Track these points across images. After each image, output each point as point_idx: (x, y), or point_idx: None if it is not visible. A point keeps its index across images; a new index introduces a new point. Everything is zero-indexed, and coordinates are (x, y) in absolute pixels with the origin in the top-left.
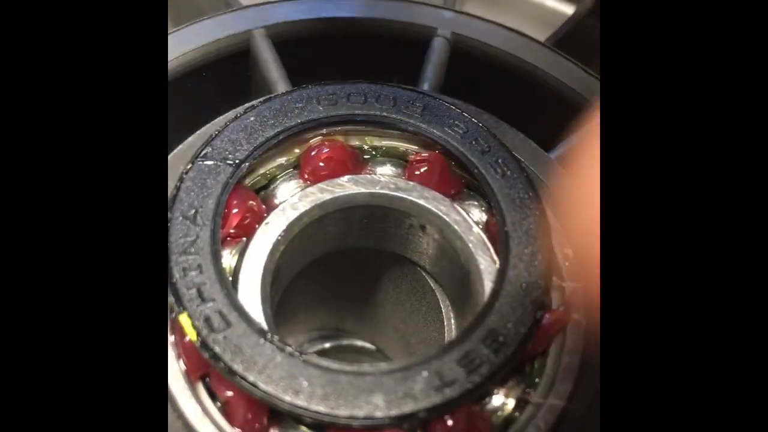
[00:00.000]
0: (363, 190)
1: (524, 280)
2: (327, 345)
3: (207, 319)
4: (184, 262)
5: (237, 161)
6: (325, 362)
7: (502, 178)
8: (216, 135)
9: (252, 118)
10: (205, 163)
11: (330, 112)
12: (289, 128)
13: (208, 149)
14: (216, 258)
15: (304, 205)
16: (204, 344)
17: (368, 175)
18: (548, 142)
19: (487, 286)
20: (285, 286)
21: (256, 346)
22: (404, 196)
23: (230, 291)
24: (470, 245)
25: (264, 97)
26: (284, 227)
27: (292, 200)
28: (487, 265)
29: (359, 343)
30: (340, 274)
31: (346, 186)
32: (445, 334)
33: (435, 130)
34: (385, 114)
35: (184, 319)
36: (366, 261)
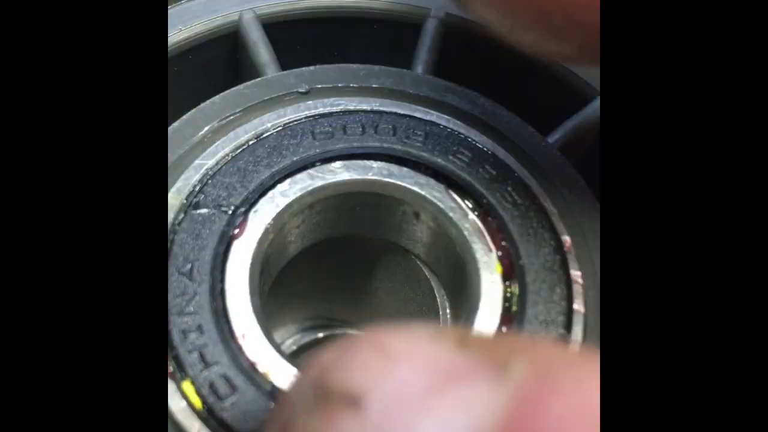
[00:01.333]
0: (355, 176)
1: (544, 317)
2: (320, 335)
3: (212, 386)
4: (182, 323)
5: (233, 207)
6: None
7: (513, 207)
8: (208, 180)
9: (245, 159)
10: (199, 212)
11: (327, 146)
12: (284, 168)
13: (201, 196)
14: (217, 316)
15: (294, 192)
16: (211, 413)
17: (360, 161)
18: (546, 126)
19: (483, 275)
20: (275, 275)
21: (266, 410)
22: (397, 182)
23: (235, 351)
24: (465, 233)
25: (254, 140)
26: (273, 215)
27: (282, 187)
28: (482, 253)
29: (353, 332)
30: (333, 263)
31: (337, 172)
32: (441, 324)
33: (439, 160)
34: (385, 145)
35: (187, 387)
36: (359, 249)
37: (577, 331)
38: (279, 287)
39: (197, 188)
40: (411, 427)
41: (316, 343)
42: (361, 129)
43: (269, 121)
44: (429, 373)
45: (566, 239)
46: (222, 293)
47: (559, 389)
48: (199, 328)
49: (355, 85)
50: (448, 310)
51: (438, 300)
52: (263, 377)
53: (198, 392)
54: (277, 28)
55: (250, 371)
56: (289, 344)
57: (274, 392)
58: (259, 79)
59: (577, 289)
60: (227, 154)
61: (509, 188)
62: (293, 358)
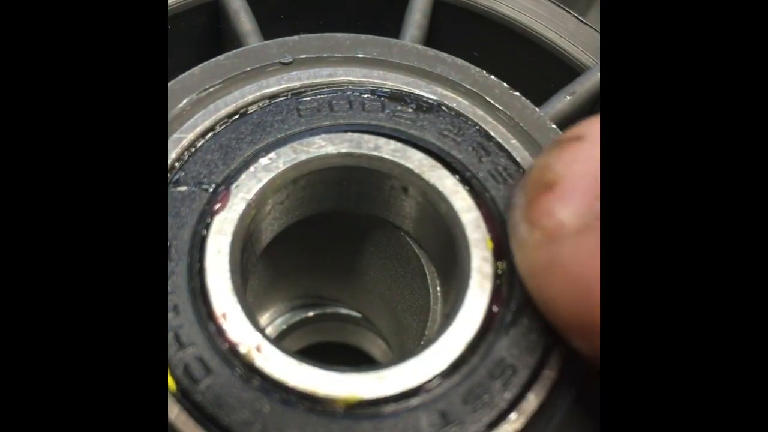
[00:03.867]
0: (341, 150)
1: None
2: (311, 313)
3: (186, 368)
4: None
5: (213, 186)
6: (318, 407)
7: (504, 182)
8: (189, 157)
9: (227, 135)
10: (178, 189)
11: (312, 124)
12: (268, 145)
13: (181, 173)
14: (194, 296)
15: (277, 167)
16: (184, 394)
17: (346, 134)
18: (539, 97)
19: (473, 252)
20: (259, 253)
21: (240, 394)
22: (384, 156)
23: (211, 332)
24: (455, 209)
25: (235, 117)
26: (256, 191)
27: (264, 161)
28: (473, 230)
29: (344, 310)
30: (320, 240)
31: (322, 146)
32: (431, 302)
33: (429, 138)
34: (373, 123)
35: None
36: (347, 225)
37: None
38: (266, 265)
39: (177, 164)
40: None
41: (307, 321)
42: (348, 105)
43: (250, 93)
44: None
45: None
46: (201, 272)
47: None
48: (175, 309)
49: (340, 56)
50: (438, 288)
51: (428, 277)
52: (244, 358)
53: (172, 374)
54: None
55: (227, 353)
56: (279, 323)
57: (251, 374)
58: (240, 49)
59: None
60: (208, 128)
61: (501, 163)
62: (282, 337)
